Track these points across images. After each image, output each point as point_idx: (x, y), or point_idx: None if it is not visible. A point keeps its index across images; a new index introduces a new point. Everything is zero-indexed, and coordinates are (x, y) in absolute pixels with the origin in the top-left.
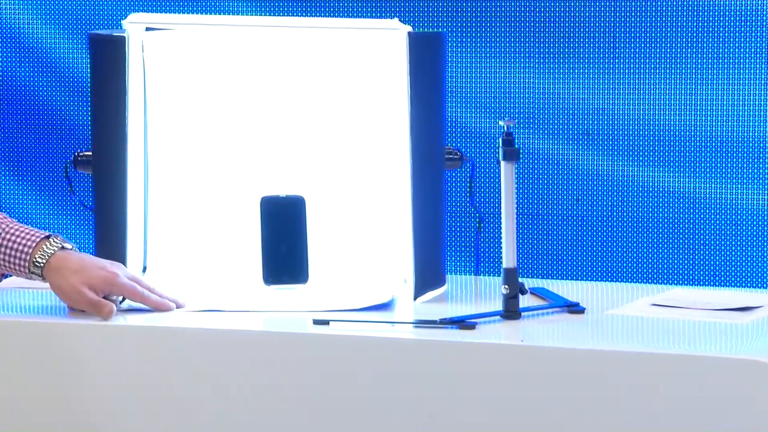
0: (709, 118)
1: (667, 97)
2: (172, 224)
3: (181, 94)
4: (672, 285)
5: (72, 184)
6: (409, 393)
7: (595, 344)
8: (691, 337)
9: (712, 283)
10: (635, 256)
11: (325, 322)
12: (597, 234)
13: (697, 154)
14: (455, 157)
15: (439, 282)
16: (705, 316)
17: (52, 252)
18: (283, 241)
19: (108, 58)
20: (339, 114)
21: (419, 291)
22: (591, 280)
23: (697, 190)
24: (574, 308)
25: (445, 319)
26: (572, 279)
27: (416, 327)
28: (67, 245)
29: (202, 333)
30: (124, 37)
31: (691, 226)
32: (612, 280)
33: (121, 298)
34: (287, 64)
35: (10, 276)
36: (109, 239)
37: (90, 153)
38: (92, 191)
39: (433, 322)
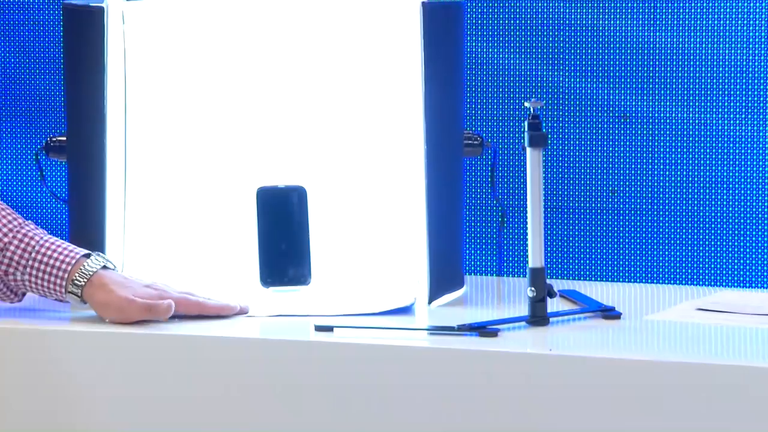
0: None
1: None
2: (156, 218)
3: (166, 72)
4: (719, 287)
5: (44, 172)
6: (423, 408)
7: (633, 353)
8: (740, 346)
9: (764, 285)
10: (678, 254)
11: (329, 329)
12: (635, 230)
13: (752, 155)
14: (475, 142)
15: (457, 283)
16: (757, 321)
17: (94, 271)
18: (283, 237)
19: (84, 32)
20: (344, 94)
21: (434, 293)
22: (628, 282)
23: (745, 182)
24: (609, 313)
25: (464, 325)
26: (607, 280)
27: (431, 334)
28: (110, 265)
29: (193, 340)
30: (103, 8)
31: (740, 221)
32: (652, 282)
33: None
34: (286, 38)
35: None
36: (84, 235)
37: (64, 138)
38: (66, 181)
39: (450, 328)
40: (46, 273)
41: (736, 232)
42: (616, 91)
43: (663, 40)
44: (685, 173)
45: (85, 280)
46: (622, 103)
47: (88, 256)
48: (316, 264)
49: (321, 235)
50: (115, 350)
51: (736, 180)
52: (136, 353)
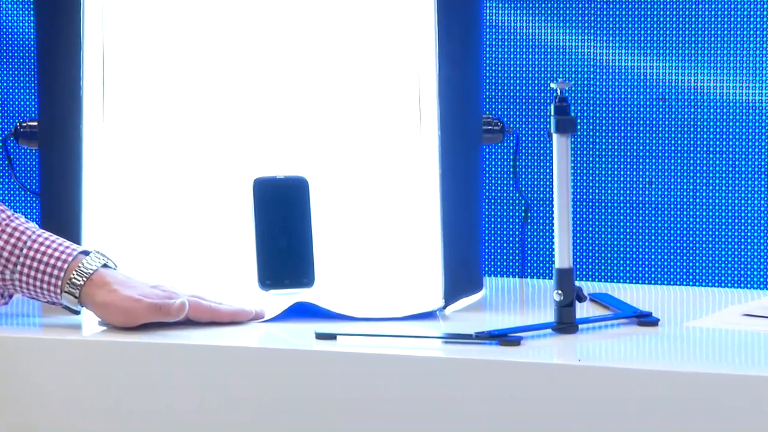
0: None
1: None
2: (139, 214)
3: (151, 50)
4: None
5: (12, 161)
6: (437, 425)
7: (672, 365)
8: None
9: None
10: (723, 253)
11: (331, 336)
12: (674, 226)
13: None
14: (495, 128)
15: (475, 286)
16: None
17: (94, 269)
18: (283, 234)
19: (59, 5)
20: (350, 75)
21: (450, 297)
22: (666, 284)
23: None
24: (645, 319)
25: (483, 332)
26: (642, 282)
27: (446, 342)
28: (111, 263)
29: (185, 349)
30: None
31: None
32: (693, 284)
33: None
34: (282, 13)
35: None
36: (58, 232)
37: (35, 123)
38: (38, 171)
39: (468, 336)
40: (39, 271)
41: None
42: (654, 71)
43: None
44: (731, 162)
45: (85, 279)
46: (662, 83)
47: (86, 253)
48: (319, 264)
49: (325, 231)
50: (96, 361)
51: None
52: (118, 364)
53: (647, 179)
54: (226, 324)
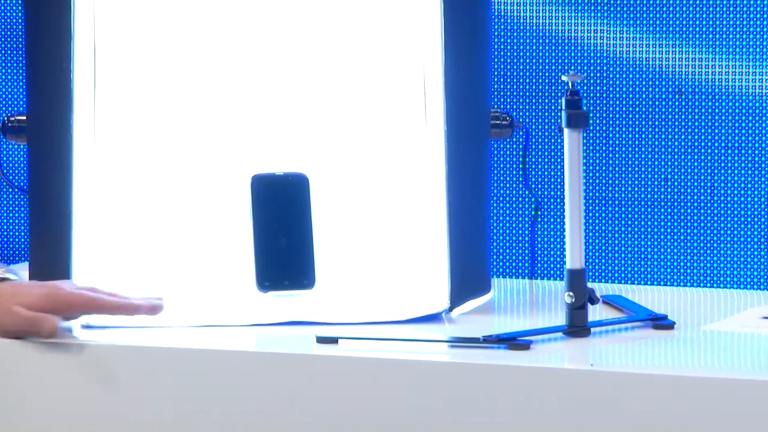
0: None
1: None
2: (132, 212)
3: (143, 41)
4: None
5: None
6: (443, 431)
7: (689, 369)
8: None
9: None
10: (742, 253)
11: (333, 340)
12: (691, 225)
13: None
14: (504, 123)
15: (483, 288)
16: None
17: None
18: (282, 233)
19: None
20: (351, 67)
21: (456, 299)
22: (682, 285)
23: None
24: (661, 322)
25: (491, 336)
26: (658, 284)
27: (452, 346)
28: (12, 276)
29: (176, 354)
30: None
31: None
32: (710, 286)
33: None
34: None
35: None
36: (48, 231)
37: (23, 117)
38: (27, 167)
39: (475, 340)
40: None
41: None
42: (670, 63)
43: None
44: (751, 158)
45: None
46: (678, 76)
47: None
48: (320, 265)
49: (326, 230)
50: (86, 366)
51: None
52: (109, 369)
53: (662, 176)
54: (114, 315)
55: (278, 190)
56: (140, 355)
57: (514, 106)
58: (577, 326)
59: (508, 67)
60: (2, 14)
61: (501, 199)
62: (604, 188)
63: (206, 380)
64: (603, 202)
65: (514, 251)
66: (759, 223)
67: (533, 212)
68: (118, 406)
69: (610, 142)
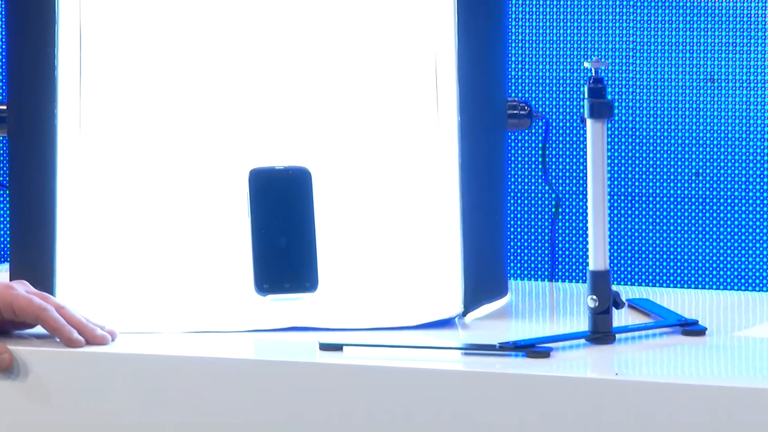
0: None
1: None
2: (121, 209)
3: (134, 25)
4: None
5: None
6: None
7: (721, 378)
8: None
9: None
10: None
11: (337, 347)
12: (724, 223)
13: None
14: (522, 112)
15: (499, 291)
16: None
17: None
18: (282, 231)
19: None
20: (356, 52)
21: (470, 303)
22: (714, 288)
23: None
24: (691, 328)
25: (507, 343)
26: (688, 287)
27: (466, 354)
28: None
29: (169, 362)
30: None
31: None
32: (744, 289)
33: None
34: None
35: None
36: (30, 230)
37: (4, 107)
38: (7, 161)
39: (491, 347)
40: None
41: None
42: (701, 47)
43: None
44: None
45: None
46: (710, 62)
47: None
48: (323, 266)
49: (330, 229)
50: (79, 373)
51: None
52: (102, 377)
53: (693, 170)
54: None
55: (278, 185)
56: (128, 363)
57: (533, 95)
58: (600, 332)
59: (527, 52)
60: None
61: (519, 195)
62: (629, 183)
63: (199, 391)
64: (629, 198)
65: (532, 251)
66: None
67: (553, 209)
68: (104, 417)
69: (637, 133)
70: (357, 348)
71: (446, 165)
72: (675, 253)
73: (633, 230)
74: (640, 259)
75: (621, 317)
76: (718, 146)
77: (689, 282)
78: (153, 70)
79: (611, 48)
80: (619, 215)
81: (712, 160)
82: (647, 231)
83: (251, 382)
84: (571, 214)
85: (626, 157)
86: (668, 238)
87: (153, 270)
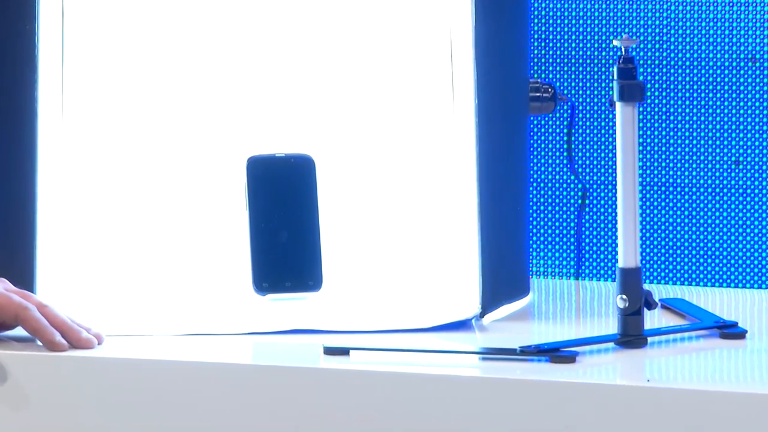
0: None
1: None
2: (109, 201)
3: (122, 7)
4: None
5: None
6: None
7: (763, 385)
8: None
9: None
10: None
11: (343, 351)
12: (766, 216)
13: None
14: (545, 95)
15: (520, 290)
16: None
17: None
18: (283, 225)
19: None
20: (364, 29)
21: (489, 304)
22: (755, 287)
23: None
24: (730, 330)
25: (529, 346)
26: (726, 286)
27: (484, 359)
28: None
29: (161, 367)
30: None
31: None
32: None
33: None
34: None
35: None
36: (7, 221)
37: None
38: None
39: (511, 351)
40: None
41: None
42: (741, 24)
43: None
44: None
45: None
46: (751, 40)
47: None
48: (328, 263)
49: (335, 222)
50: (70, 379)
51: None
52: (92, 383)
53: (732, 158)
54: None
55: (279, 174)
56: (116, 368)
57: (558, 76)
58: (631, 335)
59: (550, 29)
60: None
61: (542, 185)
62: (662, 172)
63: (192, 399)
64: (662, 188)
65: (557, 247)
66: None
67: (580, 201)
68: (89, 428)
69: (671, 118)
70: (365, 352)
71: (462, 152)
72: (712, 248)
73: (666, 224)
74: (674, 256)
75: (653, 319)
76: (760, 132)
77: (728, 280)
78: (143, 53)
79: (643, 24)
80: (651, 207)
81: (752, 147)
82: (682, 224)
83: (249, 389)
84: (598, 205)
85: (659, 144)
86: (705, 233)
87: (142, 267)
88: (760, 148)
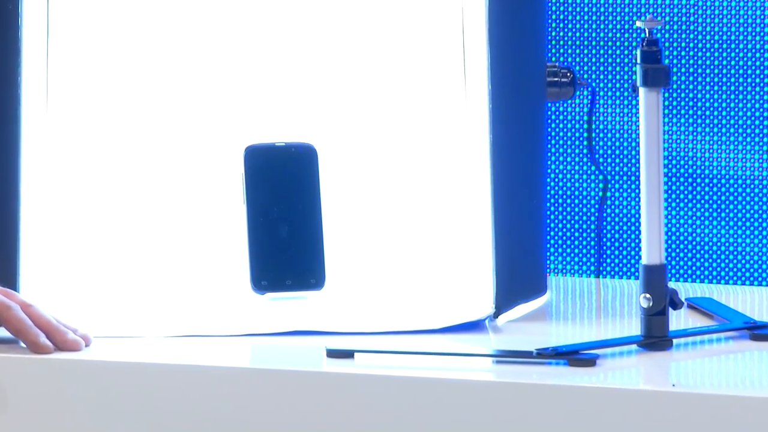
0: None
1: None
2: (98, 196)
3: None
4: None
5: None
6: None
7: None
8: None
9: None
10: None
11: (347, 354)
12: None
13: None
14: (564, 80)
15: (537, 289)
16: None
17: None
18: (284, 220)
19: None
20: (370, 8)
21: (503, 303)
22: None
23: None
24: (760, 331)
25: (546, 349)
26: (757, 284)
27: (498, 362)
28: None
29: (156, 370)
30: None
31: None
32: None
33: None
34: None
35: None
36: None
37: None
38: None
39: (527, 353)
40: None
41: None
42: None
43: None
44: None
45: None
46: None
47: None
48: (331, 260)
49: (339, 217)
50: (63, 383)
51: None
52: (86, 388)
53: (765, 147)
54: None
55: (279, 164)
56: (104, 372)
57: (577, 60)
58: (655, 337)
59: (569, 10)
60: None
61: (560, 177)
62: (689, 163)
63: (187, 404)
64: (688, 180)
65: (576, 243)
66: None
67: (600, 193)
68: (91, 427)
69: (698, 104)
70: (370, 355)
71: (475, 142)
72: (742, 244)
73: (693, 218)
74: (701, 252)
75: (679, 319)
76: None
77: (759, 278)
78: (131, 38)
79: (668, 4)
80: (677, 200)
81: None
82: (710, 219)
83: (246, 394)
84: (621, 198)
85: (685, 132)
86: (735, 227)
87: (132, 264)
88: None
